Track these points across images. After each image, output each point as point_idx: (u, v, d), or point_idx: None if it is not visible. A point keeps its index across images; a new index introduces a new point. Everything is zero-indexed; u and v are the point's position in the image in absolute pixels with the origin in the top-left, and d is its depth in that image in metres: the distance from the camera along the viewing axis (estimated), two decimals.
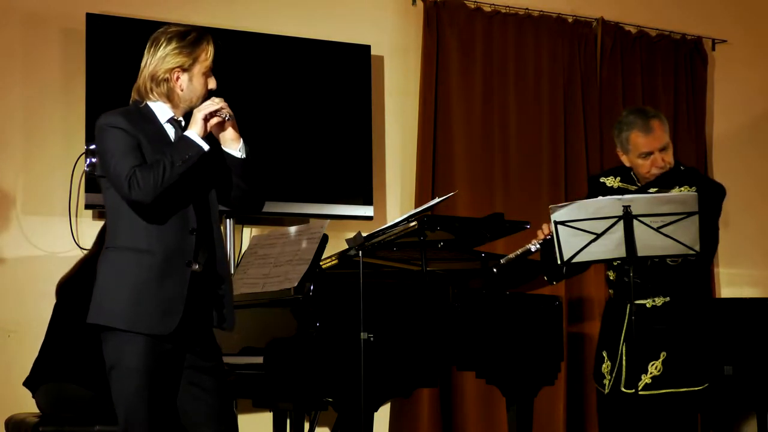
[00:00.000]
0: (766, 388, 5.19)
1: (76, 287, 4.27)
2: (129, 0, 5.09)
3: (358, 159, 5.41)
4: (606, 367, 3.91)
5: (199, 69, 3.18)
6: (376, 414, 3.73)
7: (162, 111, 3.19)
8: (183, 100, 3.19)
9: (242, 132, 3.28)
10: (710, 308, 3.89)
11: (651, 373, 3.71)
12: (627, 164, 3.91)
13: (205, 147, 3.09)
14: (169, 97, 3.18)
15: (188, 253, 3.12)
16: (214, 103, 3.14)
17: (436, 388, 5.36)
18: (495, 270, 3.99)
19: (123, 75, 4.91)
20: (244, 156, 3.22)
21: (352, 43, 5.48)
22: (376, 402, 3.70)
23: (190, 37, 3.19)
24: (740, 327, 5.14)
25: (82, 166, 4.85)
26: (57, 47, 4.99)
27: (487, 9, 5.83)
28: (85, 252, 4.50)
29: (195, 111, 3.15)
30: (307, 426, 4.43)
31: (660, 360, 3.76)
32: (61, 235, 4.86)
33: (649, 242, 3.49)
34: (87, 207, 4.85)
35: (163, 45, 3.17)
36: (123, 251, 3.11)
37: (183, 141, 3.10)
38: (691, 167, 4.09)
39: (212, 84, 3.22)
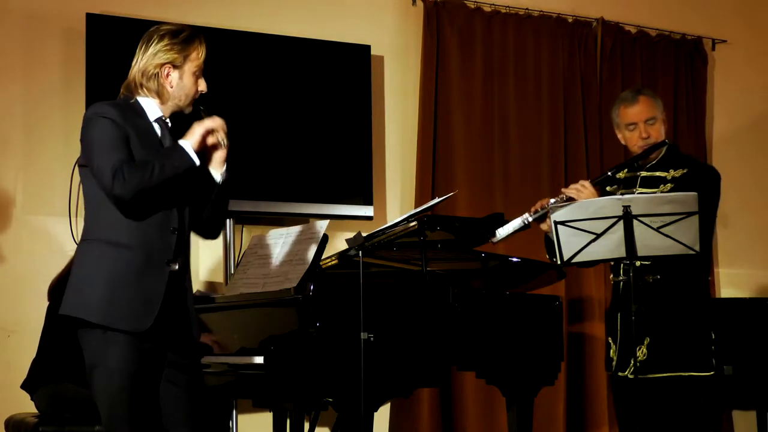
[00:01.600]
0: (766, 388, 5.19)
1: None
2: (129, 0, 5.09)
3: (358, 159, 5.41)
4: (613, 351, 3.93)
5: (189, 67, 3.18)
6: (376, 414, 3.72)
7: (151, 108, 3.19)
8: (172, 98, 3.19)
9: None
10: (702, 294, 3.86)
11: (638, 358, 3.73)
12: (622, 142, 3.98)
13: (197, 162, 3.10)
14: (159, 94, 3.18)
15: (168, 252, 3.11)
16: (215, 123, 3.15)
17: (436, 388, 5.36)
18: (493, 242, 3.94)
19: (123, 75, 4.92)
20: (220, 181, 3.22)
21: (352, 43, 5.48)
22: (376, 402, 3.70)
23: (183, 35, 3.20)
24: (740, 327, 5.14)
25: None
26: (57, 47, 4.99)
27: (487, 9, 5.83)
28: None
29: (196, 124, 3.14)
30: (307, 426, 4.43)
31: (645, 345, 3.78)
32: (61, 235, 4.86)
33: (649, 242, 3.49)
34: None
35: (155, 41, 3.18)
36: (102, 244, 3.07)
37: (177, 150, 3.09)
38: (687, 155, 4.12)
39: (202, 86, 3.22)
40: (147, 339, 3.06)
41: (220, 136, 3.15)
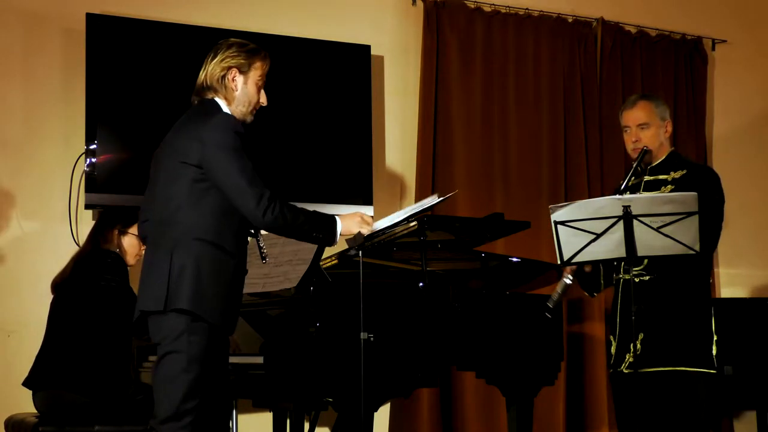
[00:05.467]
0: (766, 388, 5.19)
1: (71, 289, 4.27)
2: (129, 0, 5.09)
3: (358, 159, 5.41)
4: (613, 348, 3.96)
5: (253, 76, 3.37)
6: (376, 414, 3.73)
7: (225, 108, 3.34)
8: (237, 102, 3.35)
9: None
10: (702, 294, 3.87)
11: (633, 353, 3.78)
12: None
13: (334, 243, 3.38)
14: (226, 97, 3.34)
15: (246, 259, 3.36)
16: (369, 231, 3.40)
17: (436, 388, 5.35)
18: (549, 315, 4.06)
19: (123, 75, 4.96)
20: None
21: (352, 43, 5.48)
22: (376, 402, 3.70)
23: (250, 46, 3.40)
24: (740, 327, 5.14)
25: (82, 166, 4.85)
26: (57, 47, 4.99)
27: (487, 9, 5.83)
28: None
29: (360, 221, 3.39)
30: (307, 426, 4.43)
31: (639, 340, 3.81)
32: (61, 235, 4.86)
33: (649, 242, 3.49)
34: (87, 207, 4.85)
35: (223, 49, 3.37)
36: (214, 248, 3.22)
37: (332, 226, 3.34)
38: (686, 158, 4.16)
39: (263, 98, 3.41)
40: (227, 336, 3.32)
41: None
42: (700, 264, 3.82)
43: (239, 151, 3.21)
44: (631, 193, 3.97)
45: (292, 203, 3.31)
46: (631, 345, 3.78)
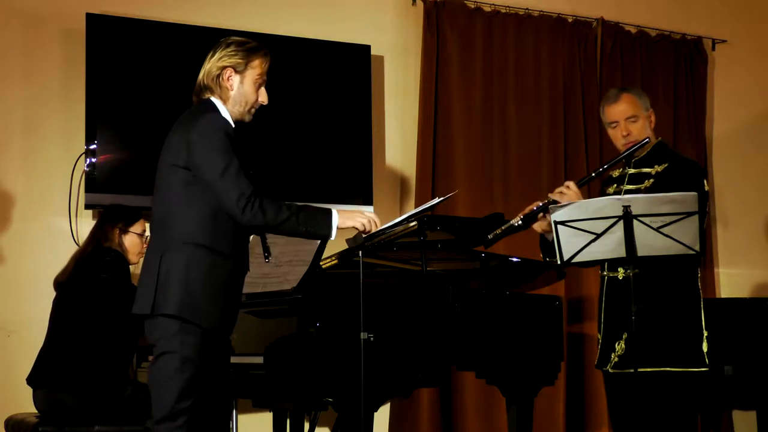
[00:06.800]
0: (766, 388, 5.19)
1: (72, 287, 4.27)
2: (129, 0, 5.09)
3: (358, 159, 5.41)
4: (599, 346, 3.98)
5: (251, 74, 3.33)
6: (376, 414, 3.73)
7: (223, 110, 3.32)
8: (233, 101, 3.32)
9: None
10: (690, 291, 3.84)
11: (618, 352, 3.77)
12: (612, 140, 4.03)
13: (333, 237, 3.30)
14: (222, 96, 3.32)
15: (247, 260, 3.35)
16: (371, 225, 3.37)
17: (436, 388, 5.36)
18: (485, 246, 3.98)
19: (123, 75, 4.97)
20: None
21: (352, 43, 5.48)
22: (376, 402, 3.70)
23: (249, 45, 3.36)
24: (740, 327, 5.14)
25: (82, 166, 4.85)
26: (57, 47, 4.99)
27: (487, 9, 5.83)
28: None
29: (358, 216, 3.35)
30: (307, 426, 4.43)
31: (623, 339, 3.80)
32: (61, 235, 4.87)
33: (649, 242, 3.48)
34: (87, 207, 4.86)
35: (221, 48, 3.34)
36: (207, 251, 3.20)
37: (325, 218, 3.27)
38: (675, 151, 4.13)
39: (263, 97, 3.37)
40: (224, 337, 3.32)
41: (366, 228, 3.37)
42: (687, 260, 3.77)
43: (222, 150, 3.18)
44: (616, 185, 3.96)
45: (274, 200, 3.24)
46: (616, 344, 3.79)
